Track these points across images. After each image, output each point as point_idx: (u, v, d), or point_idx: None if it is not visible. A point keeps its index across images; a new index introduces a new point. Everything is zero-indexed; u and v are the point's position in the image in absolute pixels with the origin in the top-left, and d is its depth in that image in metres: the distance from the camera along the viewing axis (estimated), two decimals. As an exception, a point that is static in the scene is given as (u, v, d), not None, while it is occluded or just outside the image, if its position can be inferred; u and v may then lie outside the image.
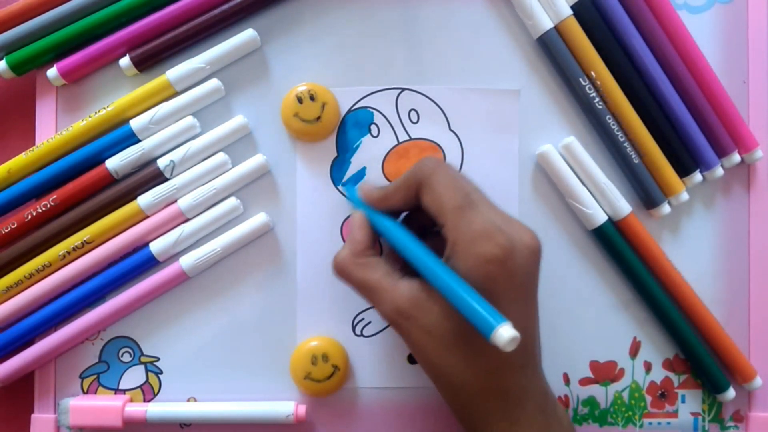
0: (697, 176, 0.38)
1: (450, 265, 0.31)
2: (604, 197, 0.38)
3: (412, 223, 0.36)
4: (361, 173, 0.38)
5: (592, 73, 0.37)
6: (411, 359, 0.39)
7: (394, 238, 0.33)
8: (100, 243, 0.38)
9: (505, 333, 0.26)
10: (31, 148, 0.38)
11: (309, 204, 0.38)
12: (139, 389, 0.39)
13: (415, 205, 0.33)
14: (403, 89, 0.39)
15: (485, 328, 0.27)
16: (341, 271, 0.33)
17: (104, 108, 0.38)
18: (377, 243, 0.35)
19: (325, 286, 0.38)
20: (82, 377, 0.38)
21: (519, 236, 0.31)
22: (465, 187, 0.32)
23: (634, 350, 0.39)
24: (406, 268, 0.33)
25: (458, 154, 0.39)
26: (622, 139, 0.38)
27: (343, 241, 0.38)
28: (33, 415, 0.38)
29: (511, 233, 0.31)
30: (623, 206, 0.38)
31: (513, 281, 0.30)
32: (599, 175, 0.38)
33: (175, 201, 0.38)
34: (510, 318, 0.28)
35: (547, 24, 0.37)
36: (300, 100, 0.37)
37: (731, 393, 0.38)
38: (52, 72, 0.38)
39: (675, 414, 0.39)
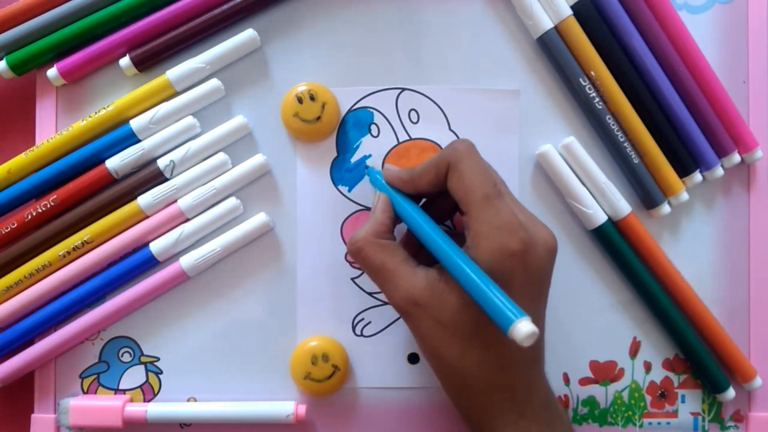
0: (697, 176, 0.38)
1: (469, 254, 0.30)
2: (604, 197, 0.38)
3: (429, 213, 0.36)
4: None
5: (592, 73, 0.37)
6: (411, 359, 0.39)
7: (415, 224, 0.33)
8: (100, 243, 0.38)
9: (524, 328, 0.26)
10: (31, 148, 0.38)
11: (309, 204, 0.38)
12: (139, 389, 0.39)
13: (441, 188, 0.33)
14: (403, 89, 0.39)
15: (504, 321, 0.27)
16: (359, 251, 0.33)
17: (104, 108, 0.38)
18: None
19: (325, 286, 0.38)
20: (82, 377, 0.38)
21: (539, 233, 0.31)
22: (492, 178, 0.32)
23: (634, 350, 0.39)
24: (420, 257, 0.33)
25: (458, 154, 0.39)
26: (622, 139, 0.38)
27: (344, 241, 0.38)
28: (33, 415, 0.38)
29: (532, 230, 0.31)
30: (623, 206, 0.38)
31: (529, 277, 0.30)
32: (599, 175, 0.38)
33: (175, 201, 0.38)
34: None
35: (547, 24, 0.37)
36: (300, 100, 0.37)
37: (731, 393, 0.38)
38: (52, 72, 0.38)
39: (675, 414, 0.39)
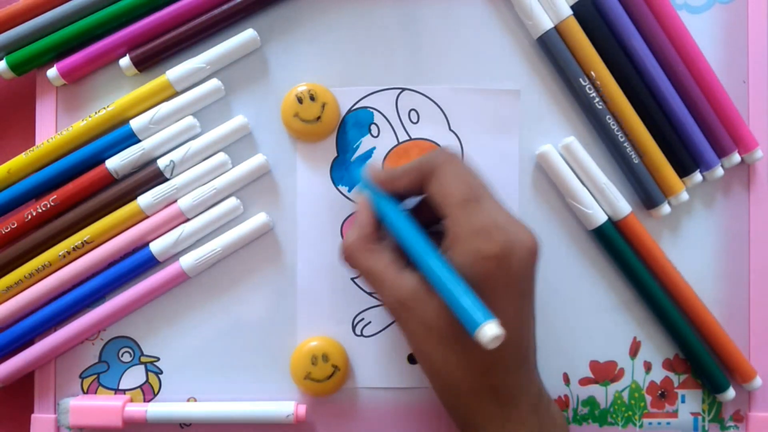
0: (697, 176, 0.38)
1: (447, 257, 0.31)
2: (604, 197, 0.38)
3: (415, 216, 0.36)
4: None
5: (592, 73, 0.37)
6: (411, 359, 0.39)
7: (394, 226, 0.33)
8: (100, 243, 0.38)
9: (488, 330, 0.26)
10: (31, 148, 0.38)
11: (309, 204, 0.38)
12: (139, 389, 0.39)
13: (419, 192, 0.33)
14: (403, 89, 0.39)
15: (470, 323, 0.27)
16: (349, 257, 0.33)
17: (104, 108, 0.38)
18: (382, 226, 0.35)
19: (325, 286, 0.38)
20: (82, 377, 0.38)
21: (518, 236, 0.31)
22: (472, 182, 0.32)
23: (634, 350, 0.39)
24: None
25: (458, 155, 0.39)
26: (622, 139, 0.38)
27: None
28: (33, 415, 0.38)
29: (511, 232, 0.31)
30: (623, 206, 0.38)
31: (508, 280, 0.30)
32: (599, 175, 0.38)
33: (175, 201, 0.38)
34: (503, 317, 0.28)
35: (547, 24, 0.37)
36: (300, 100, 0.37)
37: (731, 393, 0.38)
38: (52, 72, 0.38)
39: (675, 414, 0.39)
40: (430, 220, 0.36)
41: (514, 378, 0.31)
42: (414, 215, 0.34)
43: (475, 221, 0.31)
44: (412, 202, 0.36)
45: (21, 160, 0.38)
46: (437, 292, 0.30)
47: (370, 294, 0.39)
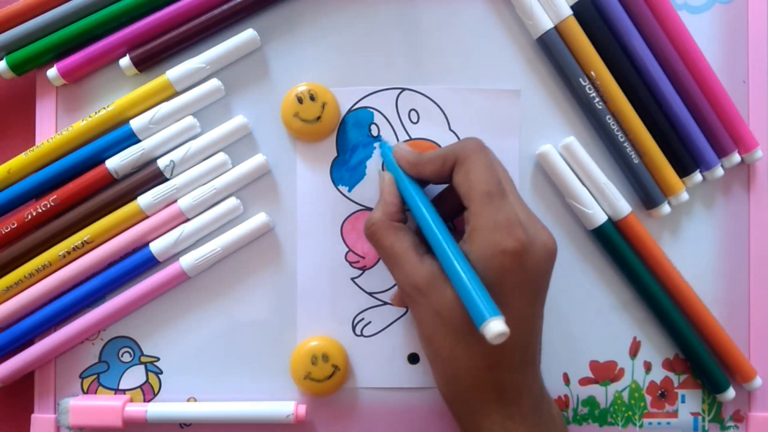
0: (697, 176, 0.38)
1: (465, 249, 0.31)
2: (604, 197, 0.38)
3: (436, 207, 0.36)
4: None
5: (592, 73, 0.37)
6: (411, 359, 0.39)
7: (415, 209, 0.33)
8: (100, 243, 0.38)
9: (494, 326, 0.27)
10: (31, 148, 0.38)
11: (309, 204, 0.38)
12: (139, 389, 0.39)
13: (444, 180, 0.34)
14: (403, 89, 0.39)
15: (478, 317, 0.27)
16: (373, 234, 0.33)
17: (104, 108, 0.38)
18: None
19: (325, 286, 0.38)
20: (82, 377, 0.38)
21: (539, 236, 0.31)
22: (499, 176, 0.32)
23: (634, 350, 0.39)
24: None
25: (458, 154, 0.39)
26: (622, 139, 0.38)
27: (344, 241, 0.38)
28: (33, 415, 0.38)
29: (533, 231, 0.31)
30: (623, 206, 0.38)
31: (524, 277, 0.30)
32: (599, 175, 0.38)
33: (175, 201, 0.38)
34: (515, 314, 0.28)
35: (547, 24, 0.37)
36: (300, 100, 0.37)
37: (731, 393, 0.38)
38: (52, 72, 0.38)
39: (675, 414, 0.39)
40: (450, 212, 0.36)
41: (519, 377, 0.32)
42: (435, 205, 0.34)
43: (498, 215, 0.31)
44: (435, 191, 0.36)
45: (21, 160, 0.38)
46: (450, 279, 0.30)
47: (370, 294, 0.39)
